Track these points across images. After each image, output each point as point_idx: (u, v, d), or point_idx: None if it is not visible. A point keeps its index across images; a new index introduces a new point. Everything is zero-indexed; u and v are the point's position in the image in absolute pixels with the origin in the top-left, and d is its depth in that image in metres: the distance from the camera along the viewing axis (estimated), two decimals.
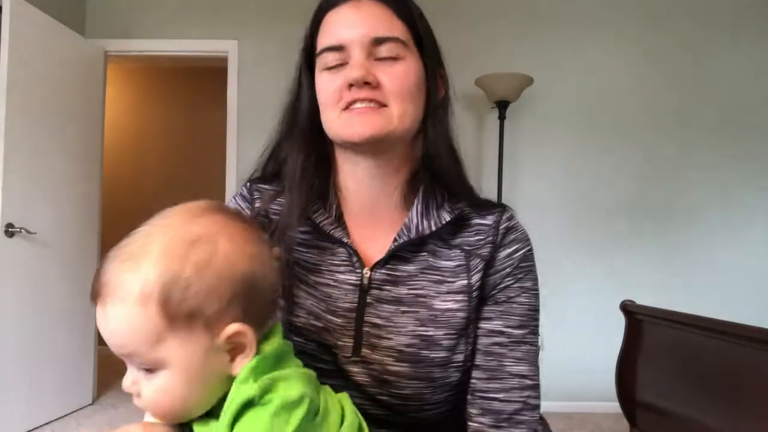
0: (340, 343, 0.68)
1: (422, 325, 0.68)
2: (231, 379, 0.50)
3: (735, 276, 3.33)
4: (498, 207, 0.75)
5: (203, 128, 4.63)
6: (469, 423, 0.70)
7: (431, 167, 0.71)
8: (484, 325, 0.70)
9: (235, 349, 0.51)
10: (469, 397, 0.70)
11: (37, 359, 2.78)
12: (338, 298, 0.70)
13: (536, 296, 0.73)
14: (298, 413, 0.47)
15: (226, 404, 0.49)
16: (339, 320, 0.69)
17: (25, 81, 2.69)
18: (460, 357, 0.69)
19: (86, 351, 3.18)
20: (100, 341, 3.37)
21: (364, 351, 0.68)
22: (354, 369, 0.68)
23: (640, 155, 3.39)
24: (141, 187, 4.66)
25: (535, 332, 0.72)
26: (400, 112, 0.66)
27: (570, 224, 3.37)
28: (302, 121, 0.73)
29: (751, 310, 2.94)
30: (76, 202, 3.09)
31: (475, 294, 0.69)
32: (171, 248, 0.48)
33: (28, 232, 2.66)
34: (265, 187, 0.77)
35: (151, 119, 4.75)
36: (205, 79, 4.55)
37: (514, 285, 0.71)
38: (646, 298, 2.21)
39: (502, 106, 3.11)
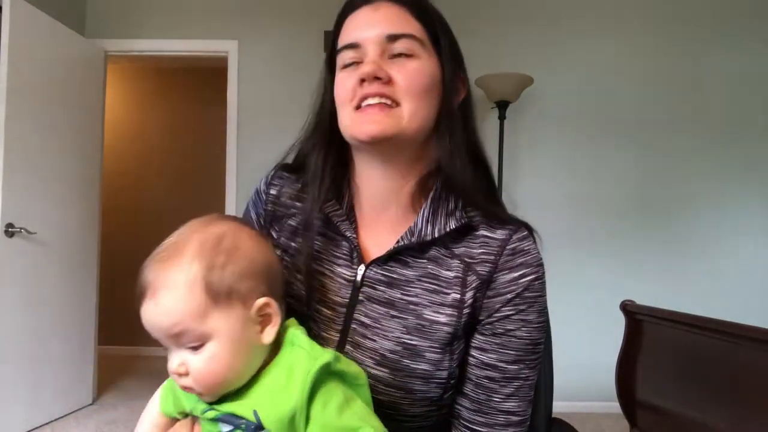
0: (325, 334, 0.69)
1: (408, 333, 0.66)
2: (263, 349, 0.59)
3: (735, 276, 3.33)
4: (515, 224, 0.70)
5: (203, 128, 4.63)
6: None
7: (444, 172, 0.69)
8: (479, 355, 0.67)
9: (263, 320, 0.59)
10: (454, 420, 0.70)
11: (37, 359, 2.78)
12: (331, 290, 0.70)
13: (539, 329, 0.68)
14: (365, 390, 0.58)
15: (299, 371, 0.55)
16: (329, 312, 0.70)
17: (25, 81, 2.69)
18: (443, 374, 0.66)
19: (86, 351, 3.18)
20: (100, 341, 3.37)
21: (348, 348, 0.68)
22: None
23: (639, 155, 3.39)
24: (141, 187, 4.66)
25: (532, 366, 0.68)
26: (410, 111, 0.65)
27: (570, 224, 3.36)
28: (324, 121, 0.74)
29: (751, 310, 2.94)
30: (76, 202, 3.09)
31: (466, 311, 0.66)
32: (204, 243, 0.58)
33: (28, 232, 2.66)
34: (287, 174, 0.79)
35: (151, 119, 4.75)
36: (205, 79, 4.55)
37: (515, 317, 0.66)
38: (646, 298, 2.21)
39: (502, 106, 3.11)
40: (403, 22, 0.67)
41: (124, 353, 4.37)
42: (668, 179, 3.39)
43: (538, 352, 0.68)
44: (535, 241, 0.70)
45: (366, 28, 0.67)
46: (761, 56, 3.39)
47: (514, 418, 0.67)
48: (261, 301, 0.59)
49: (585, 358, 3.12)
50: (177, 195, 4.54)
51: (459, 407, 0.69)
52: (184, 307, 0.56)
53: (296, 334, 0.60)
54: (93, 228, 3.24)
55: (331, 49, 0.73)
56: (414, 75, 0.66)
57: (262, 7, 3.46)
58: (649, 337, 2.05)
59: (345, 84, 0.68)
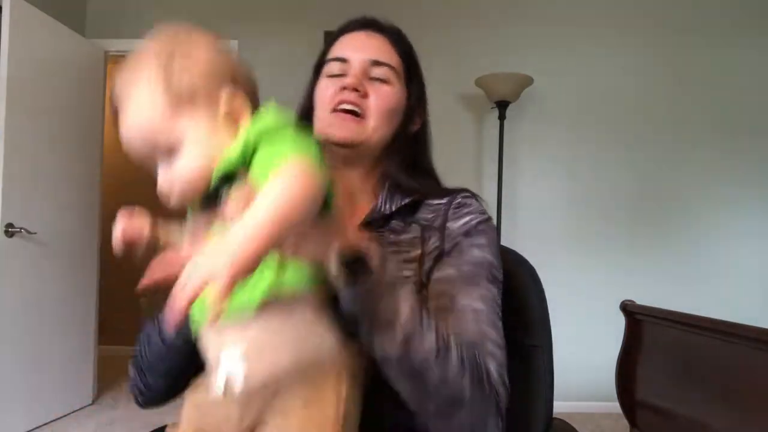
0: None
1: None
2: None
3: (734, 276, 3.33)
4: (459, 191, 0.82)
5: None
6: None
7: (391, 181, 0.82)
8: (437, 274, 0.74)
9: (234, 118, 0.58)
10: None
11: (37, 359, 2.78)
12: None
13: (492, 254, 0.76)
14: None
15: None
16: None
17: (25, 81, 2.69)
18: None
19: (86, 351, 3.18)
20: (100, 341, 3.37)
21: None
22: None
23: (639, 155, 3.39)
24: (141, 187, 4.65)
25: (490, 280, 0.73)
26: (375, 126, 0.78)
27: (570, 224, 3.37)
28: (299, 119, 0.84)
29: (751, 310, 2.94)
30: (76, 202, 3.09)
31: (428, 264, 0.75)
32: (161, 48, 0.58)
33: (28, 232, 2.66)
34: None
35: None
36: None
37: (465, 242, 0.75)
38: (646, 298, 2.21)
39: (502, 106, 3.11)
40: (387, 53, 0.82)
41: (124, 353, 4.36)
42: (668, 179, 3.39)
43: (495, 275, 0.75)
44: (477, 200, 0.82)
45: (357, 49, 0.81)
46: (760, 56, 3.39)
47: (484, 317, 0.69)
48: (226, 92, 0.57)
49: (585, 358, 3.12)
50: None
51: None
52: (148, 117, 0.56)
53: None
54: (93, 228, 3.24)
55: (321, 57, 0.85)
56: (385, 97, 0.79)
57: (262, 7, 3.46)
58: (649, 337, 2.05)
59: (327, 90, 0.80)
